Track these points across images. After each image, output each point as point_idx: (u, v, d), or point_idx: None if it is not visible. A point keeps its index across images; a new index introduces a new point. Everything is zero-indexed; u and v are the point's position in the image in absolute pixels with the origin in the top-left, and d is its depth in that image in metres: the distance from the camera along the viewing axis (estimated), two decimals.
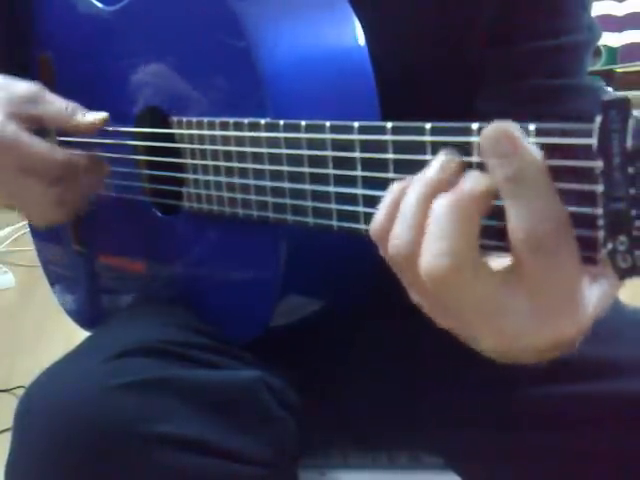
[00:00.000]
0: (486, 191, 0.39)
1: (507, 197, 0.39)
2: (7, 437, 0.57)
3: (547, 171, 0.37)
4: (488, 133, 0.39)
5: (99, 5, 0.76)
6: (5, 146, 0.65)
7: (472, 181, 0.40)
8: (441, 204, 0.40)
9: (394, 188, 0.44)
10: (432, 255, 0.40)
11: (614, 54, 2.96)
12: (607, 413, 0.62)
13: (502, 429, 0.66)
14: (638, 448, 0.60)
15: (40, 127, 0.70)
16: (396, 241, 0.42)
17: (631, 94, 0.35)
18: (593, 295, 0.41)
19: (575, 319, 0.41)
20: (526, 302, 0.40)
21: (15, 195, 0.69)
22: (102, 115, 0.69)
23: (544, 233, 0.37)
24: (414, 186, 0.42)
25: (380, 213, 0.44)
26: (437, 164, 0.42)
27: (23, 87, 0.68)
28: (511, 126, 0.38)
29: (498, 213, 0.39)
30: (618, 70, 2.86)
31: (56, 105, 0.69)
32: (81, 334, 0.87)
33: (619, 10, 3.02)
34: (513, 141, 0.38)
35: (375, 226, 0.44)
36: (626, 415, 0.61)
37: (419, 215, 0.41)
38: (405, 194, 0.43)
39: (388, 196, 0.44)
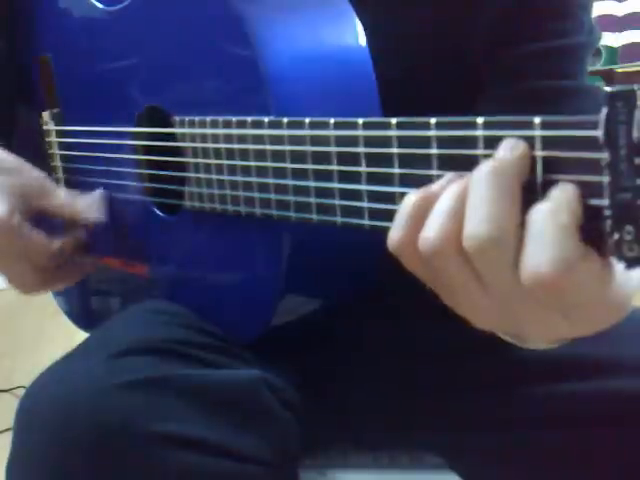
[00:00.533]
0: (523, 154, 0.39)
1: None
2: (7, 437, 0.57)
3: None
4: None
5: (99, 6, 0.76)
6: (8, 235, 0.69)
7: (508, 146, 0.39)
8: (478, 173, 0.40)
9: (413, 197, 0.43)
10: (472, 224, 0.39)
11: (614, 54, 2.96)
12: (607, 412, 0.62)
13: (502, 429, 0.66)
14: (638, 448, 0.60)
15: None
16: (429, 233, 0.41)
17: None
18: (629, 279, 0.41)
19: (615, 312, 0.41)
20: (562, 320, 0.40)
21: (7, 272, 0.74)
22: (97, 194, 0.75)
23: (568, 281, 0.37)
24: (451, 187, 0.41)
25: (401, 221, 0.43)
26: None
27: (32, 179, 0.72)
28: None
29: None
30: (618, 70, 2.85)
31: (59, 200, 0.73)
32: (81, 334, 0.87)
33: (619, 10, 3.03)
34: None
35: (395, 236, 0.43)
36: (626, 414, 0.61)
37: (457, 205, 0.40)
38: (437, 194, 0.42)
39: (407, 205, 0.43)
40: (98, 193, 0.75)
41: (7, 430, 1.38)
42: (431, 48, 0.69)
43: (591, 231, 0.37)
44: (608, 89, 0.34)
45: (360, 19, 0.62)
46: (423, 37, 0.68)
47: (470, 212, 0.39)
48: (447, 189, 0.41)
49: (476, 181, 0.40)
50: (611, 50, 2.94)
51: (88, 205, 0.75)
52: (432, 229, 0.41)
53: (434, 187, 0.42)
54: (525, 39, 0.68)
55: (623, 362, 0.64)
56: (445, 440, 0.72)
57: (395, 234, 0.43)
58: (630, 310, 0.41)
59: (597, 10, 2.97)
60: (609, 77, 2.75)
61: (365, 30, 0.62)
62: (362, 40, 0.61)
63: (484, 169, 0.39)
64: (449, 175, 0.42)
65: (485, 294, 0.41)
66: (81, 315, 0.92)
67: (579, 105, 0.67)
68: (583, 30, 0.69)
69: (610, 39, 2.96)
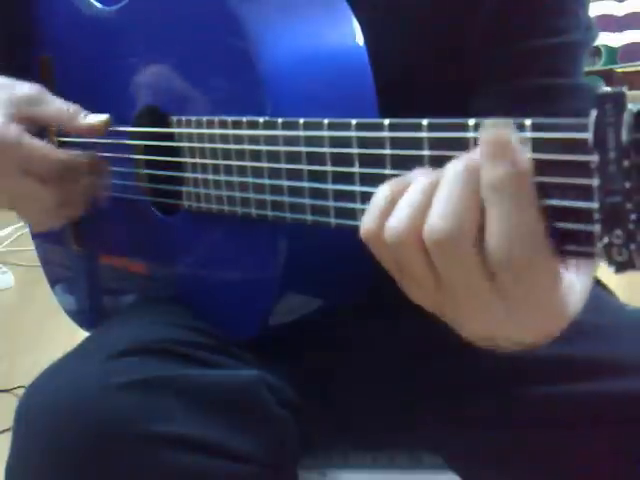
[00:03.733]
0: None
1: (488, 206, 0.39)
2: (7, 437, 0.57)
3: (532, 186, 0.38)
4: (484, 132, 0.39)
5: (98, 5, 0.76)
6: (7, 147, 0.65)
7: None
8: (452, 169, 0.40)
9: (386, 188, 0.44)
10: (434, 218, 0.40)
11: (614, 54, 2.96)
12: (607, 413, 0.61)
13: (502, 429, 0.66)
14: (638, 448, 0.60)
15: (41, 127, 0.70)
16: (393, 223, 0.42)
17: (631, 94, 0.35)
18: (574, 292, 0.42)
19: (555, 321, 0.42)
20: (502, 309, 0.41)
21: (15, 197, 0.69)
22: (103, 117, 0.69)
23: (518, 253, 0.38)
24: (420, 179, 0.42)
25: (372, 211, 0.44)
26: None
27: (24, 88, 0.69)
28: (507, 131, 0.38)
29: None
30: (618, 70, 2.86)
31: (57, 106, 0.69)
32: (81, 334, 0.87)
33: (619, 10, 3.03)
34: (505, 146, 0.38)
35: (366, 225, 0.44)
36: (626, 415, 0.61)
37: (423, 198, 0.41)
38: (409, 185, 0.43)
39: (380, 195, 0.44)
40: (104, 115, 0.70)
41: (7, 430, 1.38)
42: (429, 47, 0.68)
43: (580, 235, 0.37)
44: (601, 90, 0.34)
45: (357, 18, 0.62)
46: (421, 36, 0.68)
47: (435, 206, 0.41)
48: (416, 181, 0.42)
49: (447, 177, 0.40)
50: (611, 50, 2.94)
51: (89, 116, 0.70)
52: (397, 219, 0.42)
53: (407, 177, 0.43)
54: (521, 36, 0.67)
55: (622, 362, 0.63)
56: (445, 440, 0.71)
57: (366, 222, 0.44)
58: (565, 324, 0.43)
59: (597, 10, 2.97)
60: (609, 77, 2.75)
61: (362, 29, 0.62)
62: (359, 40, 0.61)
63: (458, 165, 0.40)
64: (423, 168, 0.43)
65: (438, 287, 0.43)
66: (82, 314, 0.93)
67: (574, 103, 0.67)
68: (580, 28, 0.69)
69: (610, 39, 2.96)
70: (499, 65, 0.68)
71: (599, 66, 2.83)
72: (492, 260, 0.39)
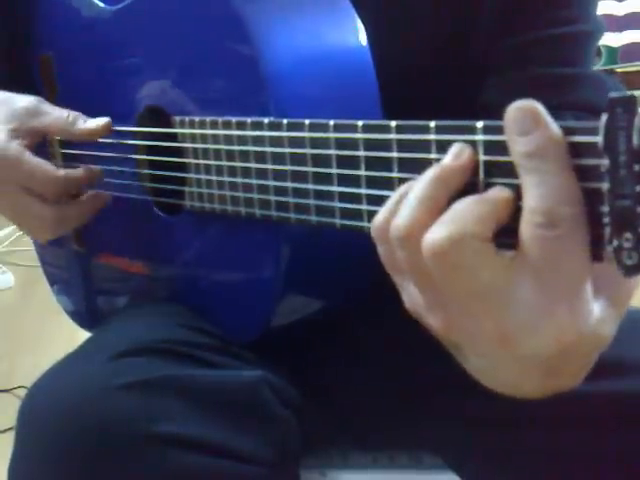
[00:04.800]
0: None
1: (527, 174, 0.38)
2: (8, 437, 0.57)
3: (567, 150, 0.37)
4: (511, 110, 0.38)
5: (100, 5, 0.76)
6: (8, 164, 0.66)
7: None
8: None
9: (400, 188, 0.43)
10: (432, 230, 0.40)
11: (614, 54, 2.96)
12: (607, 413, 0.61)
13: (502, 429, 0.66)
14: (638, 448, 0.60)
15: (43, 138, 0.70)
16: (398, 220, 0.41)
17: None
18: (596, 308, 0.40)
19: (577, 319, 0.39)
20: (529, 289, 0.39)
21: (16, 212, 0.70)
22: (104, 120, 0.70)
23: (562, 214, 0.37)
24: (426, 173, 0.41)
25: (383, 209, 0.43)
26: (452, 151, 0.41)
27: (23, 101, 0.69)
28: (534, 103, 0.38)
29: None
30: (618, 70, 2.86)
31: (55, 115, 0.69)
32: (82, 334, 0.87)
33: (619, 10, 3.02)
34: (536, 117, 0.37)
35: (376, 222, 0.43)
36: (626, 415, 0.61)
37: (427, 195, 0.41)
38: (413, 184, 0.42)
39: (393, 195, 0.43)
40: (105, 118, 0.70)
41: (8, 430, 1.38)
42: (433, 43, 0.68)
43: (590, 238, 0.37)
44: (611, 94, 0.34)
45: (361, 19, 0.62)
46: (423, 35, 0.68)
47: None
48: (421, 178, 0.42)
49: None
50: (611, 50, 2.95)
51: (89, 121, 0.70)
52: (400, 216, 0.41)
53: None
54: (525, 28, 0.67)
55: (623, 362, 0.63)
56: (445, 440, 0.71)
57: (376, 218, 0.43)
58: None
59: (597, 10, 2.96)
60: None
61: (366, 30, 0.62)
62: (363, 39, 0.61)
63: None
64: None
65: (434, 298, 0.42)
66: (83, 315, 0.92)
67: (583, 93, 0.67)
68: (588, 19, 0.69)
69: (610, 39, 2.96)
70: (506, 55, 0.68)
71: (599, 66, 2.83)
72: (533, 233, 0.38)
